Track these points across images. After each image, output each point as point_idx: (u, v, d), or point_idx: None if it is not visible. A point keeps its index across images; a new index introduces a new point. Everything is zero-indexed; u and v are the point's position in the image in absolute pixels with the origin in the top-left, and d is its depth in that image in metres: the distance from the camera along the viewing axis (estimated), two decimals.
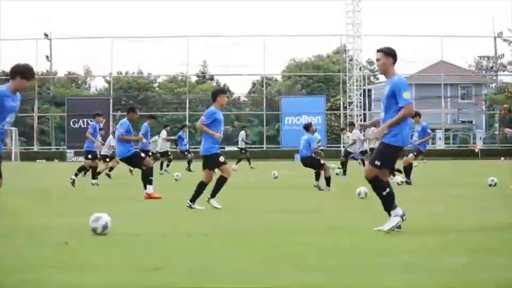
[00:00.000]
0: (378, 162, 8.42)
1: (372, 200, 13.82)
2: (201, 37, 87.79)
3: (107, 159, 23.15)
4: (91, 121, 22.00)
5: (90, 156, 19.71)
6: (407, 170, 18.69)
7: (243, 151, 33.28)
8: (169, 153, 30.27)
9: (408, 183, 18.28)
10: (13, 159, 55.34)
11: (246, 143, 33.44)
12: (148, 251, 7.05)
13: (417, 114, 18.96)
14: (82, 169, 19.95)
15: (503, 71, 75.45)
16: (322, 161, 17.39)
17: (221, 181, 12.00)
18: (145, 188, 14.32)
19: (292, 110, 61.93)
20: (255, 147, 68.58)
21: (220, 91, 12.55)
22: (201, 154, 12.22)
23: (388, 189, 8.45)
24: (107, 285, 5.33)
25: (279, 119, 64.09)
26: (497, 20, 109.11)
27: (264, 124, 66.48)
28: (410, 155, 18.80)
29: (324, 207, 12.39)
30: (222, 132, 12.06)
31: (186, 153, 30.82)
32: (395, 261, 6.31)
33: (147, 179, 14.36)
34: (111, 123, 60.21)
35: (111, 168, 23.47)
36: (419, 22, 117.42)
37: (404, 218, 8.32)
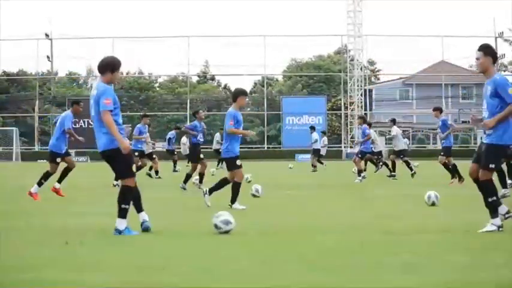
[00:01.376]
0: (492, 165, 8.48)
1: (373, 200, 13.84)
2: (202, 37, 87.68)
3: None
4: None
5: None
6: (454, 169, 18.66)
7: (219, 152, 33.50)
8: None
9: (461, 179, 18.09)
10: (14, 159, 55.36)
11: (221, 144, 33.61)
12: (149, 251, 7.06)
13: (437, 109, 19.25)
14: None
15: (504, 71, 75.40)
16: (201, 156, 17.35)
17: (235, 186, 12.08)
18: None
19: (293, 110, 61.98)
20: (256, 147, 68.61)
21: (241, 92, 12.54)
22: (222, 157, 12.36)
23: (495, 197, 8.43)
24: (107, 285, 5.33)
25: (280, 119, 64.11)
26: (498, 20, 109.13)
27: (265, 124, 66.49)
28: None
29: (325, 207, 12.39)
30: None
31: (174, 153, 31.26)
32: (395, 260, 6.31)
33: None
34: None
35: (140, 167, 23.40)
36: (420, 22, 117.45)
37: (500, 229, 8.31)
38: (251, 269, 5.95)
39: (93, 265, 6.16)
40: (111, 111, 8.38)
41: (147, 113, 25.53)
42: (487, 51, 8.77)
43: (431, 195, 12.24)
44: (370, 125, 23.53)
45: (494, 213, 8.42)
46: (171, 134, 31.50)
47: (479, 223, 9.05)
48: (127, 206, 8.32)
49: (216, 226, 8.27)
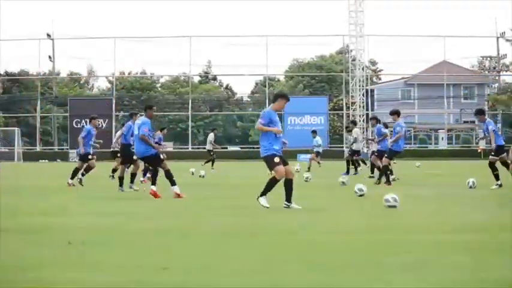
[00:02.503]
0: None
1: (373, 200, 13.84)
2: (203, 37, 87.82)
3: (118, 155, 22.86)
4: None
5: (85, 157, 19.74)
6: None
7: (211, 153, 33.60)
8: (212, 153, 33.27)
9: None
10: (16, 159, 55.38)
11: (213, 145, 33.74)
12: (150, 251, 7.07)
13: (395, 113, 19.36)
14: (86, 170, 19.88)
15: (506, 71, 75.36)
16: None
17: (272, 181, 11.93)
18: (173, 185, 14.43)
19: (295, 110, 61.88)
20: (257, 147, 68.60)
21: (281, 96, 12.47)
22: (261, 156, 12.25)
23: None
24: (108, 284, 5.34)
25: (281, 119, 64.07)
26: (499, 20, 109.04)
27: None
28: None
29: (326, 207, 12.39)
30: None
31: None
32: (396, 260, 6.31)
33: (170, 179, 14.43)
34: (113, 123, 60.32)
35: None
36: (422, 22, 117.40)
37: None
38: (251, 269, 5.96)
39: (94, 265, 6.17)
40: None
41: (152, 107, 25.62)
42: None
43: (389, 199, 11.85)
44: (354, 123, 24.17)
45: None
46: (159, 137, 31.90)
47: (479, 223, 9.07)
48: None
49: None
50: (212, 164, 32.79)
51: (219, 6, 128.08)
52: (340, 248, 7.18)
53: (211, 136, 34.00)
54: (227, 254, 6.83)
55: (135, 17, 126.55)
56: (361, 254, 6.69)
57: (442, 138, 64.16)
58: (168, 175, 14.39)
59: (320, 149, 31.38)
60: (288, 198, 11.85)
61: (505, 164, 17.80)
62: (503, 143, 18.13)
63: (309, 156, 34.56)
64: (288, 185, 11.89)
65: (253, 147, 68.56)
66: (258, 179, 23.20)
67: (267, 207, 11.62)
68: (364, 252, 6.80)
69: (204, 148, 33.69)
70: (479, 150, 56.68)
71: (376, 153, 22.33)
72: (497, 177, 17.34)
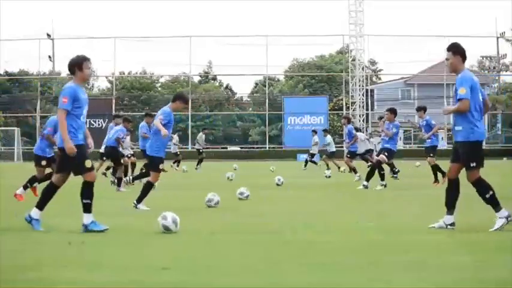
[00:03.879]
0: (473, 164, 8.49)
1: (373, 200, 13.85)
2: (203, 37, 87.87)
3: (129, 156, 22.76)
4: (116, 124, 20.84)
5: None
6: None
7: (201, 152, 33.66)
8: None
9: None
10: (16, 159, 55.37)
11: (200, 144, 33.81)
12: (150, 251, 7.07)
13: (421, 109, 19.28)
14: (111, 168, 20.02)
15: (506, 71, 75.39)
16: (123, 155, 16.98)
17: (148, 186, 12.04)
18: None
19: (295, 110, 61.98)
20: (257, 147, 68.60)
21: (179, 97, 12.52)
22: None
23: (491, 192, 8.50)
24: (109, 284, 5.34)
25: (281, 119, 64.11)
26: (499, 20, 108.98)
27: (267, 124, 66.48)
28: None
29: (326, 207, 12.40)
30: None
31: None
32: (403, 259, 6.33)
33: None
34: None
35: (108, 168, 23.34)
36: (422, 22, 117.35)
37: (510, 219, 8.38)
38: (251, 269, 5.96)
39: (94, 265, 6.17)
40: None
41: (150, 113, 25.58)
42: (456, 50, 8.72)
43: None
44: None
45: (496, 206, 8.44)
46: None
47: (480, 223, 9.07)
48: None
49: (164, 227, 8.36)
50: (199, 163, 32.88)
51: (219, 6, 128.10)
52: (340, 248, 7.18)
53: (201, 136, 33.99)
54: (227, 254, 6.83)
55: (135, 17, 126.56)
56: (361, 254, 6.69)
57: (442, 138, 64.11)
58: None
59: (332, 149, 30.81)
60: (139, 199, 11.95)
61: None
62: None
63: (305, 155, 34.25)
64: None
65: (253, 147, 68.60)
66: (259, 178, 23.22)
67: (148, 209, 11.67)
68: (364, 252, 6.80)
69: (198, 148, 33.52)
70: None
71: (348, 155, 22.64)
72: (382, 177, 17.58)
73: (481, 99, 8.70)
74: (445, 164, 19.37)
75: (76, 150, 8.48)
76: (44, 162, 14.13)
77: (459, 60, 8.70)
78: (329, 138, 30.68)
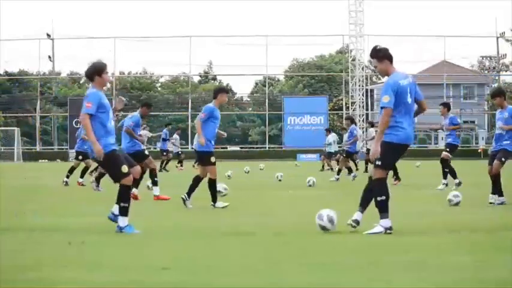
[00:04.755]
0: (378, 162, 8.39)
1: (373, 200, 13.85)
2: (203, 37, 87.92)
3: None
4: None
5: (80, 157, 19.66)
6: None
7: (179, 153, 33.78)
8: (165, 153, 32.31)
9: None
10: (15, 159, 55.36)
11: (174, 144, 33.79)
12: (150, 251, 7.07)
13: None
14: (72, 170, 19.87)
15: (506, 71, 75.41)
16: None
17: (211, 183, 12.17)
18: (154, 185, 14.34)
19: (295, 110, 61.97)
20: (257, 147, 68.62)
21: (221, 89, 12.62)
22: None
23: (384, 197, 8.29)
24: (109, 284, 5.34)
25: (281, 119, 64.12)
26: (499, 20, 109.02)
27: (266, 124, 66.50)
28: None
29: (325, 207, 12.38)
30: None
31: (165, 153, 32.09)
32: (403, 259, 6.33)
33: (153, 180, 14.36)
34: (113, 123, 60.38)
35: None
36: (422, 22, 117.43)
37: (388, 232, 8.14)
38: (251, 269, 5.96)
39: (94, 265, 6.17)
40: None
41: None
42: (381, 55, 8.50)
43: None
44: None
45: (383, 213, 8.22)
46: (165, 133, 32.28)
47: (480, 223, 9.07)
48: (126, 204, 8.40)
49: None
50: (180, 163, 32.91)
51: (219, 6, 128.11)
52: (340, 248, 7.18)
53: (175, 137, 33.94)
54: (227, 254, 6.83)
55: (135, 17, 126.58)
56: (361, 254, 6.69)
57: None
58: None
59: (331, 149, 30.61)
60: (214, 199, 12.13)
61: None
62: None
63: (310, 156, 34.15)
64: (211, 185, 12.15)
65: (253, 147, 68.61)
66: (260, 178, 23.22)
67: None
68: (364, 252, 6.80)
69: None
70: (479, 151, 56.76)
71: (344, 155, 22.74)
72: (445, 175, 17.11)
73: (410, 101, 8.42)
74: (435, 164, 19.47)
75: (103, 152, 8.41)
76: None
77: (387, 64, 8.50)
78: (331, 137, 30.14)
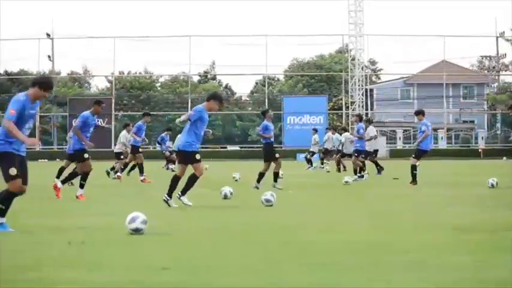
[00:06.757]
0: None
1: (373, 200, 13.86)
2: (203, 37, 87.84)
3: (121, 157, 23.05)
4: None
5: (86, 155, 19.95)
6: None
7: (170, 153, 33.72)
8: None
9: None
10: None
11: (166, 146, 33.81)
12: (150, 251, 7.07)
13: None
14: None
15: (506, 71, 75.40)
16: (277, 155, 17.32)
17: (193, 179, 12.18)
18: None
19: (294, 109, 61.96)
20: (257, 147, 68.57)
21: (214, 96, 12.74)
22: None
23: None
24: (109, 284, 5.34)
25: (281, 119, 64.12)
26: (499, 20, 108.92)
27: None
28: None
29: (326, 207, 12.40)
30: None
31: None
32: (403, 259, 6.33)
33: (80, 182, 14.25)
34: (113, 123, 60.36)
35: (125, 165, 23.47)
36: (422, 22, 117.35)
37: None
38: (251, 269, 5.96)
39: (94, 265, 6.17)
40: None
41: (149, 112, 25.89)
42: None
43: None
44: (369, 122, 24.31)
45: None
46: (161, 137, 32.41)
47: (479, 223, 9.07)
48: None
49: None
50: (171, 163, 32.89)
51: (219, 6, 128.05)
52: (340, 248, 7.18)
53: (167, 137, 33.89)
54: (227, 254, 6.83)
55: (135, 17, 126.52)
56: (361, 254, 6.69)
57: (442, 138, 64.07)
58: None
59: (316, 148, 30.53)
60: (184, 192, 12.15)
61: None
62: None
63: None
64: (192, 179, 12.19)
65: (252, 147, 68.55)
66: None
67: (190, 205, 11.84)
68: (364, 252, 6.80)
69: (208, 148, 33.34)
70: (479, 150, 56.78)
71: (355, 154, 22.45)
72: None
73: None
74: (446, 164, 19.47)
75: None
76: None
77: None
78: (335, 137, 30.18)
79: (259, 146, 68.68)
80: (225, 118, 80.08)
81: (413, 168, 18.69)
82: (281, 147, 63.15)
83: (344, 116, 63.21)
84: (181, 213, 11.35)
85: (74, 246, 7.23)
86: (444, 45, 64.25)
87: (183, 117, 12.37)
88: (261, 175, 17.29)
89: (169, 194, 12.15)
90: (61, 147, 68.06)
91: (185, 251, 7.07)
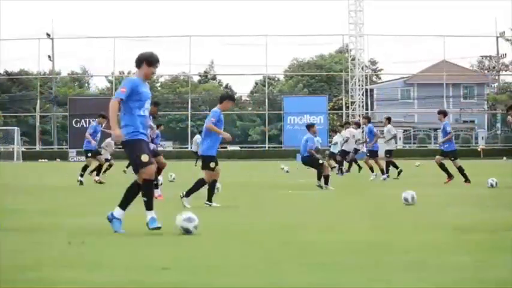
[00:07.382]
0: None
1: (373, 199, 13.86)
2: (203, 37, 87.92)
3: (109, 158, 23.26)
4: (92, 121, 22.17)
5: (90, 154, 20.20)
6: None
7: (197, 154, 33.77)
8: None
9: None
10: (15, 159, 55.36)
11: (197, 146, 33.86)
12: (150, 251, 7.06)
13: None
14: (85, 168, 20.05)
15: (506, 71, 75.44)
16: (320, 161, 17.61)
17: (200, 183, 12.25)
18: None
19: (295, 109, 62.00)
20: (257, 147, 68.59)
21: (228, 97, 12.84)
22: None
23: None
24: (109, 284, 5.34)
25: (281, 119, 64.14)
26: (499, 20, 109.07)
27: (266, 124, 66.49)
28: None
29: (326, 207, 12.40)
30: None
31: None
32: (403, 259, 6.32)
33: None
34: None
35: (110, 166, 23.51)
36: (422, 22, 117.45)
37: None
38: (251, 269, 5.96)
39: (94, 265, 6.17)
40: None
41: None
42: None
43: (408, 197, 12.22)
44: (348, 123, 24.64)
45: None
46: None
47: (479, 223, 9.07)
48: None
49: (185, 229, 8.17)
50: (196, 163, 32.94)
51: (219, 6, 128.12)
52: (340, 248, 7.18)
53: (198, 137, 33.95)
54: (227, 254, 6.83)
55: (135, 17, 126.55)
56: (361, 254, 6.68)
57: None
58: None
59: (336, 149, 30.16)
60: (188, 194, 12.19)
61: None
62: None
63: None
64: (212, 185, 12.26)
65: (252, 147, 68.59)
66: (259, 178, 23.21)
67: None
68: (364, 252, 6.79)
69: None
70: (479, 150, 56.79)
71: (367, 154, 22.60)
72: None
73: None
74: (446, 164, 19.48)
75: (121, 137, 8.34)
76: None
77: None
78: (337, 137, 29.62)
79: (259, 146, 68.61)
80: (225, 118, 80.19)
81: (461, 169, 18.96)
82: (281, 147, 63.24)
83: (344, 116, 63.24)
84: (177, 213, 11.33)
85: (74, 246, 7.22)
86: (444, 45, 64.42)
87: (217, 130, 12.39)
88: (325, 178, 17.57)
89: (209, 199, 12.21)
90: (61, 147, 68.04)
91: (185, 251, 7.06)
